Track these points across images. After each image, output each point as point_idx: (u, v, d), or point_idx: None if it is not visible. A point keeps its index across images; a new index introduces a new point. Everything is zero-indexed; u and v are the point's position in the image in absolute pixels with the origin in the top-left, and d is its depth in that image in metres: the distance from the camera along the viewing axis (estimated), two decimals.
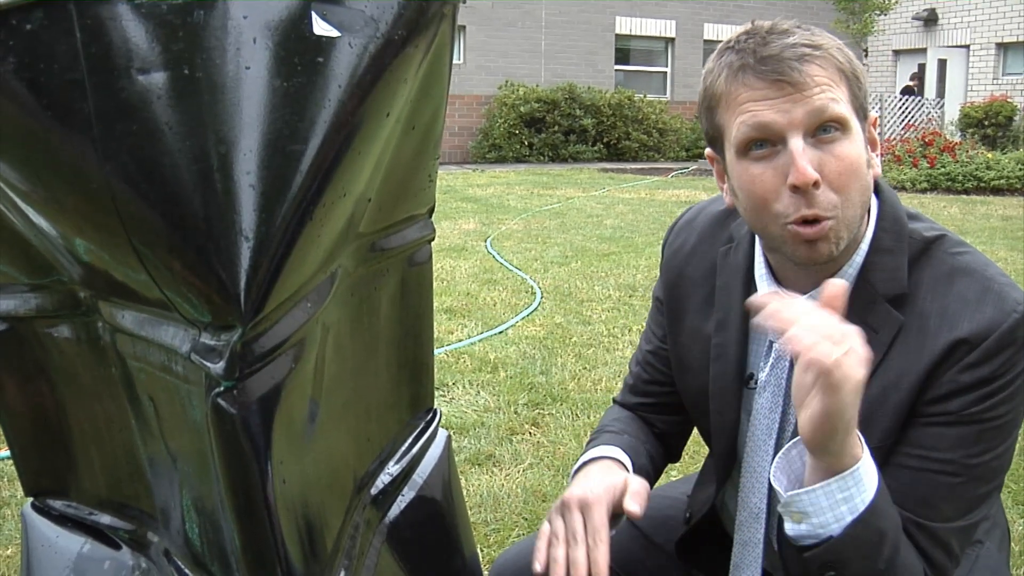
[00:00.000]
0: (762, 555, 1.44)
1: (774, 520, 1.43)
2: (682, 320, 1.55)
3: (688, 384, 1.56)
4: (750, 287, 1.43)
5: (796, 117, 1.21)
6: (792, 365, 1.39)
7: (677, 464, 3.58)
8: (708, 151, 1.38)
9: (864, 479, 1.16)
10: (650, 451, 1.61)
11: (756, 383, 1.44)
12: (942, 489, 1.26)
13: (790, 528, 1.20)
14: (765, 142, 1.24)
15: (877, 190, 1.37)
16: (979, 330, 1.24)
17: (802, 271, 1.35)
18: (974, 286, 1.27)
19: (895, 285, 1.30)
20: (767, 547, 1.44)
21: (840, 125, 1.23)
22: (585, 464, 1.47)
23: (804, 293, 1.35)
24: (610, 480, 1.37)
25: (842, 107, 1.23)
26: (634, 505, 1.33)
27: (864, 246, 1.33)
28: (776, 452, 1.41)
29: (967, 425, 1.25)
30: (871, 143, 1.32)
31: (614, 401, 1.72)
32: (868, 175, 1.29)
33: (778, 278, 1.40)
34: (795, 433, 1.38)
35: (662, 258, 1.63)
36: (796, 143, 1.22)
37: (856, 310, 1.32)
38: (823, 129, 1.22)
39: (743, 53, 1.25)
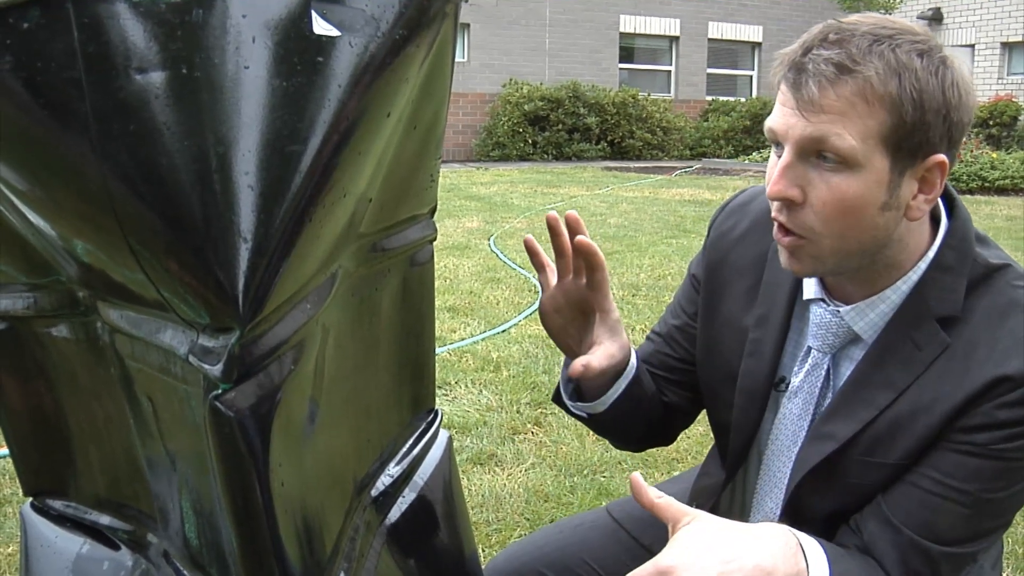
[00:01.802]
0: None
1: (787, 523, 1.43)
2: (719, 305, 1.52)
3: (713, 371, 1.53)
4: (798, 287, 1.41)
5: (794, 133, 1.19)
6: (828, 374, 1.37)
7: (680, 464, 3.58)
8: None
9: None
10: (653, 394, 1.59)
11: (787, 387, 1.42)
12: (949, 516, 1.25)
13: None
14: (778, 143, 1.24)
15: (951, 207, 1.32)
16: None
17: (849, 283, 1.32)
18: None
19: (949, 306, 1.27)
20: None
21: (840, 158, 1.18)
22: None
23: (850, 303, 1.33)
24: None
25: (845, 141, 1.16)
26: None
27: (923, 264, 1.29)
28: (798, 460, 1.40)
29: (990, 460, 1.23)
30: (923, 185, 1.23)
31: None
32: (885, 216, 1.22)
33: (826, 284, 1.37)
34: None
35: (707, 237, 1.58)
36: (786, 156, 1.20)
37: (903, 323, 1.29)
38: (822, 155, 1.19)
39: (795, 51, 1.21)
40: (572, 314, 1.45)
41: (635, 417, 1.54)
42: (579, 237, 1.37)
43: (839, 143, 1.16)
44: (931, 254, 1.29)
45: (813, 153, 1.19)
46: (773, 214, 1.25)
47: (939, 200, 1.33)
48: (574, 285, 1.42)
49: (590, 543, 1.68)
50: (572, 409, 1.58)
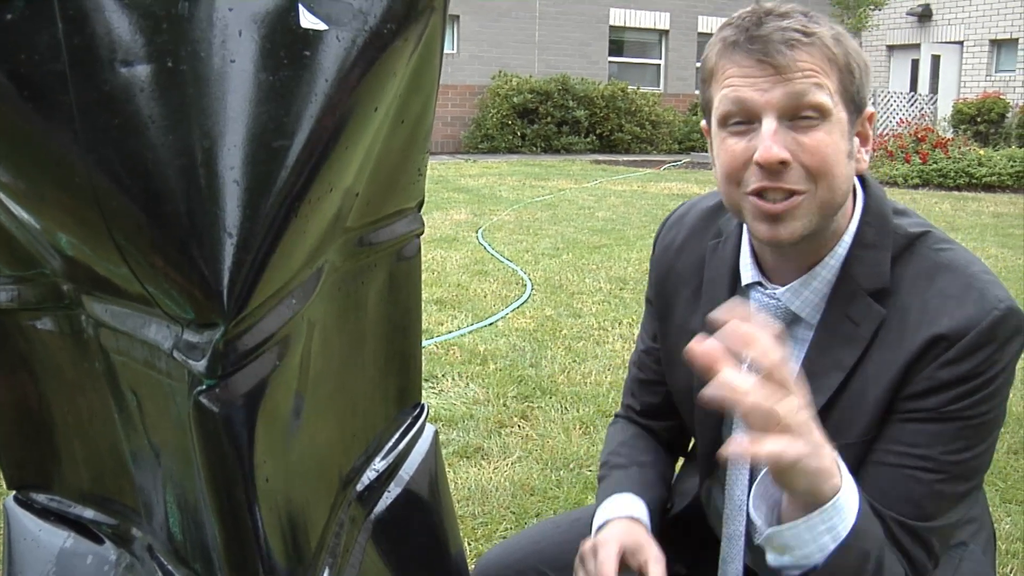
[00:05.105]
0: (744, 548, 1.45)
1: (745, 517, 1.44)
2: (671, 316, 1.55)
3: (677, 380, 1.56)
4: (737, 279, 1.44)
5: (773, 98, 1.23)
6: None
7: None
8: (703, 123, 1.40)
9: (845, 507, 1.14)
10: (661, 470, 1.62)
11: None
12: (922, 486, 1.27)
13: (772, 559, 1.19)
14: (743, 121, 1.26)
15: (864, 185, 1.39)
16: (959, 327, 1.23)
17: (785, 261, 1.35)
18: (956, 282, 1.27)
19: (877, 279, 1.31)
20: (748, 542, 1.45)
21: (819, 112, 1.24)
22: (603, 525, 1.49)
23: (786, 283, 1.37)
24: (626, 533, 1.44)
25: (823, 95, 1.23)
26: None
27: (847, 239, 1.34)
28: None
29: (945, 422, 1.25)
30: (862, 137, 1.33)
31: (616, 415, 1.72)
32: (849, 166, 1.29)
33: (763, 268, 1.40)
34: None
35: (653, 254, 1.63)
36: (769, 123, 1.24)
37: (838, 302, 1.33)
38: (802, 116, 1.24)
39: (738, 30, 1.27)
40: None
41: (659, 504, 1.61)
42: None
43: (819, 96, 1.23)
44: (852, 228, 1.34)
45: (792, 114, 1.24)
46: (759, 184, 1.26)
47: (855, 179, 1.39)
48: None
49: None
50: None
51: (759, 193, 1.26)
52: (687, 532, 1.62)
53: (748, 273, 1.41)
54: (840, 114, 1.26)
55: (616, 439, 1.66)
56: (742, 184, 1.27)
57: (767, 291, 1.39)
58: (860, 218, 1.35)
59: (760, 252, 1.40)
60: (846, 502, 1.14)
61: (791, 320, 1.38)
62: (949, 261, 1.30)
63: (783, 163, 1.23)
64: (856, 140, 1.31)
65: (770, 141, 1.22)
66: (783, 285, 1.37)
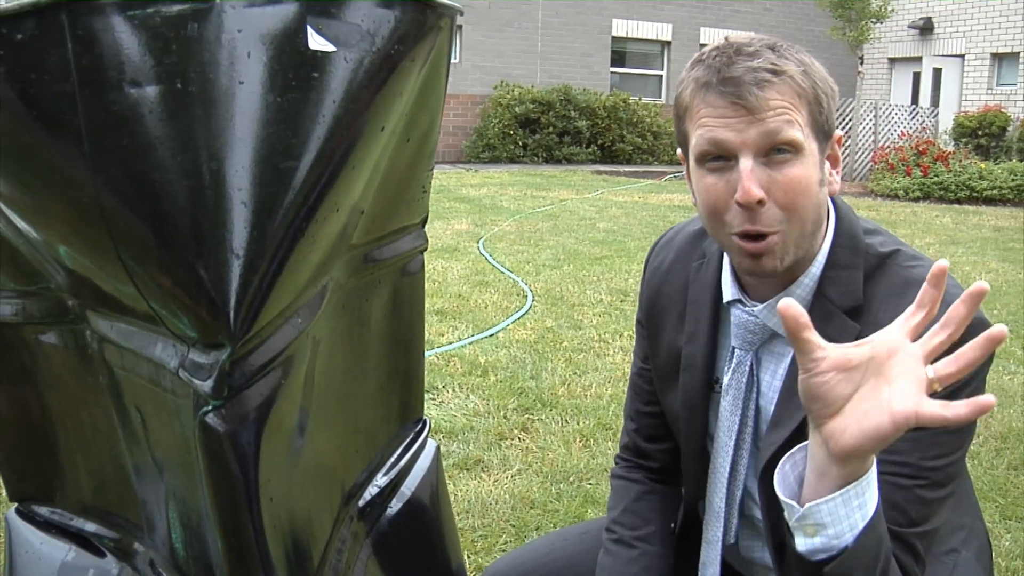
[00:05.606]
0: (720, 552, 1.48)
1: (734, 520, 1.47)
2: (660, 339, 1.59)
3: (667, 400, 1.59)
4: (719, 297, 1.48)
5: (748, 138, 1.27)
6: (752, 369, 1.43)
7: None
8: (679, 152, 1.45)
9: (873, 482, 1.16)
10: (666, 530, 1.65)
11: (720, 386, 1.49)
12: (904, 491, 1.30)
13: (803, 543, 1.19)
14: (720, 156, 1.30)
15: (835, 206, 1.43)
16: None
17: (763, 280, 1.38)
18: None
19: (851, 298, 1.36)
20: (724, 544, 1.48)
21: (792, 147, 1.27)
22: None
23: (764, 300, 1.40)
24: None
25: (795, 131, 1.27)
26: None
27: (821, 259, 1.38)
28: (736, 452, 1.46)
29: (921, 429, 1.27)
30: (832, 160, 1.37)
31: (618, 455, 1.73)
32: (822, 193, 1.33)
33: (742, 285, 1.43)
34: (755, 433, 1.41)
35: (643, 277, 1.67)
36: (745, 162, 1.27)
37: (815, 321, 1.34)
38: (776, 150, 1.27)
39: (710, 70, 1.30)
40: None
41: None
42: None
43: (793, 133, 1.27)
44: (825, 249, 1.38)
45: (767, 151, 1.28)
46: (741, 228, 1.30)
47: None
48: None
49: (597, 553, 1.69)
50: None
51: (741, 236, 1.31)
52: (691, 545, 1.63)
53: (729, 291, 1.46)
54: (811, 146, 1.30)
55: (621, 502, 1.69)
56: (726, 225, 1.32)
57: (746, 308, 1.41)
58: (832, 239, 1.39)
59: (740, 271, 1.44)
60: (874, 477, 1.16)
61: (770, 336, 1.42)
62: (920, 277, 1.33)
63: (760, 202, 1.27)
64: (827, 165, 1.36)
65: (748, 181, 1.27)
66: (762, 302, 1.39)
